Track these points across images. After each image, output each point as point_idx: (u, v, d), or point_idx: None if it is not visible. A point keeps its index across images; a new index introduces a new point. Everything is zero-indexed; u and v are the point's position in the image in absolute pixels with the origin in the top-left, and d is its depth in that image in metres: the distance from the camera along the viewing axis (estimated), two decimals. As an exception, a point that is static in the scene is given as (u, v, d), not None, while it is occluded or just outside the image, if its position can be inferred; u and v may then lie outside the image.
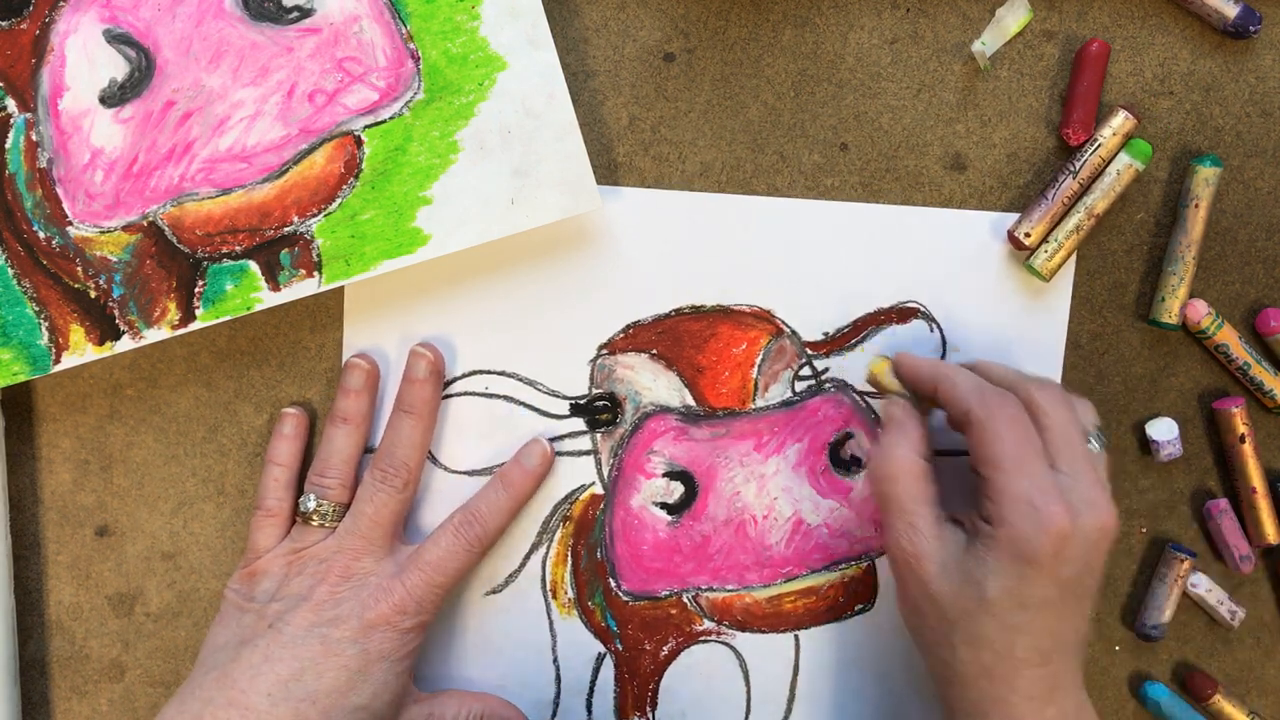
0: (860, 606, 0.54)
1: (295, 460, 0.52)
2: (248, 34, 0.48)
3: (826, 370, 0.53)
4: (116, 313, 0.49)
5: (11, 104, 0.48)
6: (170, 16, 0.48)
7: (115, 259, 0.48)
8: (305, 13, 0.48)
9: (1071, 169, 0.51)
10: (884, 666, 0.54)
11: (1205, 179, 0.51)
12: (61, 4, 0.48)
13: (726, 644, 0.54)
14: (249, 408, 0.53)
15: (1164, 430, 0.53)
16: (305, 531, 0.50)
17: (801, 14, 0.52)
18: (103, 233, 0.48)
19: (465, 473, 0.53)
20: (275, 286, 0.49)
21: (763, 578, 0.53)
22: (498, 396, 0.53)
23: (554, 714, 0.54)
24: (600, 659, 0.54)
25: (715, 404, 0.53)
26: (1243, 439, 0.53)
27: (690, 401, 0.53)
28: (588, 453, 0.53)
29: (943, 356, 0.53)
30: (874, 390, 0.53)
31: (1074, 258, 0.53)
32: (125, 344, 0.49)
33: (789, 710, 0.54)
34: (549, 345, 0.53)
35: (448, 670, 0.54)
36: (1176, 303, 0.52)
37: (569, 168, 0.49)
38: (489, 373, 0.53)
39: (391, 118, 0.48)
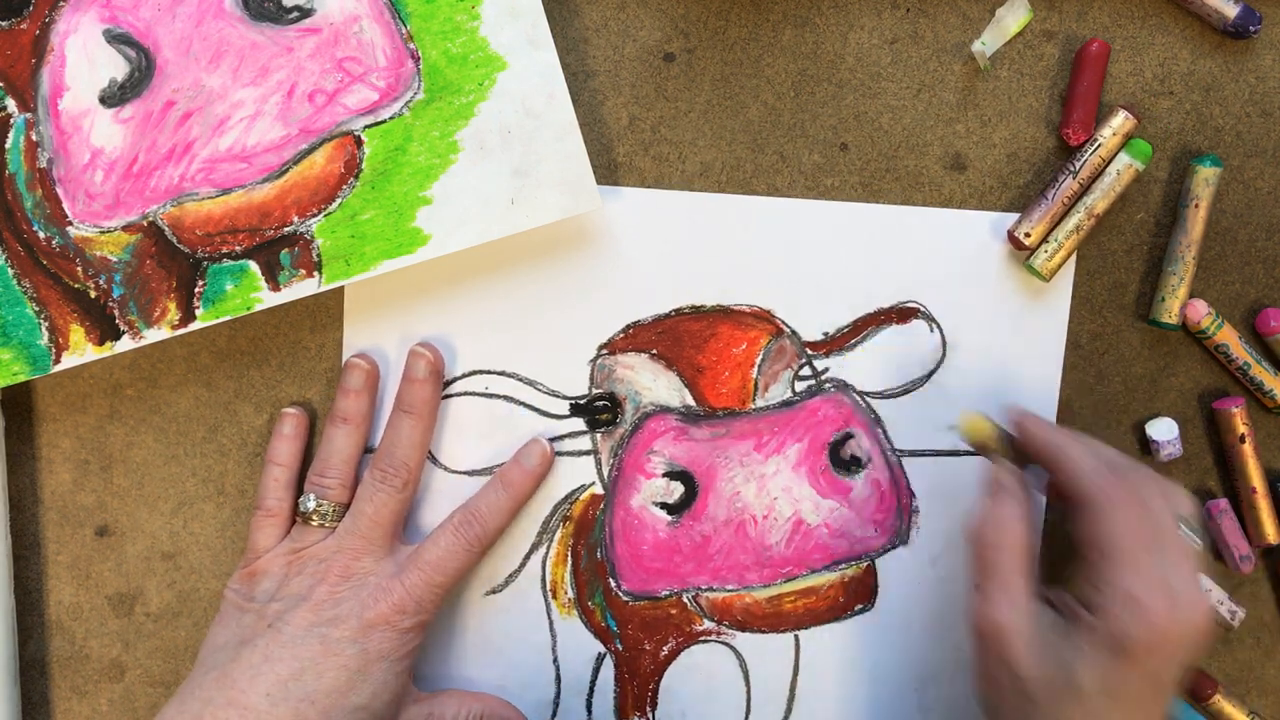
0: (860, 606, 0.54)
1: (295, 460, 0.52)
2: (248, 34, 0.48)
3: (826, 370, 0.53)
4: (116, 313, 0.49)
5: (11, 104, 0.48)
6: (170, 16, 0.48)
7: (115, 259, 0.48)
8: (305, 13, 0.48)
9: (1071, 169, 0.51)
10: (884, 666, 0.54)
11: (1205, 179, 0.51)
12: (61, 4, 0.48)
13: (726, 644, 0.54)
14: (249, 408, 0.53)
15: (1164, 430, 0.53)
16: (305, 531, 0.50)
17: (801, 14, 0.52)
18: (103, 233, 0.48)
19: (465, 473, 0.53)
20: (275, 286, 0.49)
21: (763, 578, 0.53)
22: (498, 396, 0.53)
23: (554, 714, 0.54)
24: (600, 659, 0.54)
25: (715, 404, 0.53)
26: (1243, 439, 0.53)
27: (690, 401, 0.53)
28: (588, 453, 0.53)
29: (942, 357, 0.53)
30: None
31: (1074, 258, 0.53)
32: (125, 344, 0.49)
33: (789, 710, 0.54)
34: (549, 345, 0.53)
35: (448, 670, 0.54)
36: (1176, 303, 0.52)
37: (569, 168, 0.49)
38: (489, 373, 0.53)
39: (391, 118, 0.48)
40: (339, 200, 0.49)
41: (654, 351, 0.53)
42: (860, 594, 0.54)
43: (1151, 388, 0.54)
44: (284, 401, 0.53)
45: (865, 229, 0.53)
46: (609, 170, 0.52)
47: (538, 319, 0.53)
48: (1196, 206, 0.52)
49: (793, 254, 0.53)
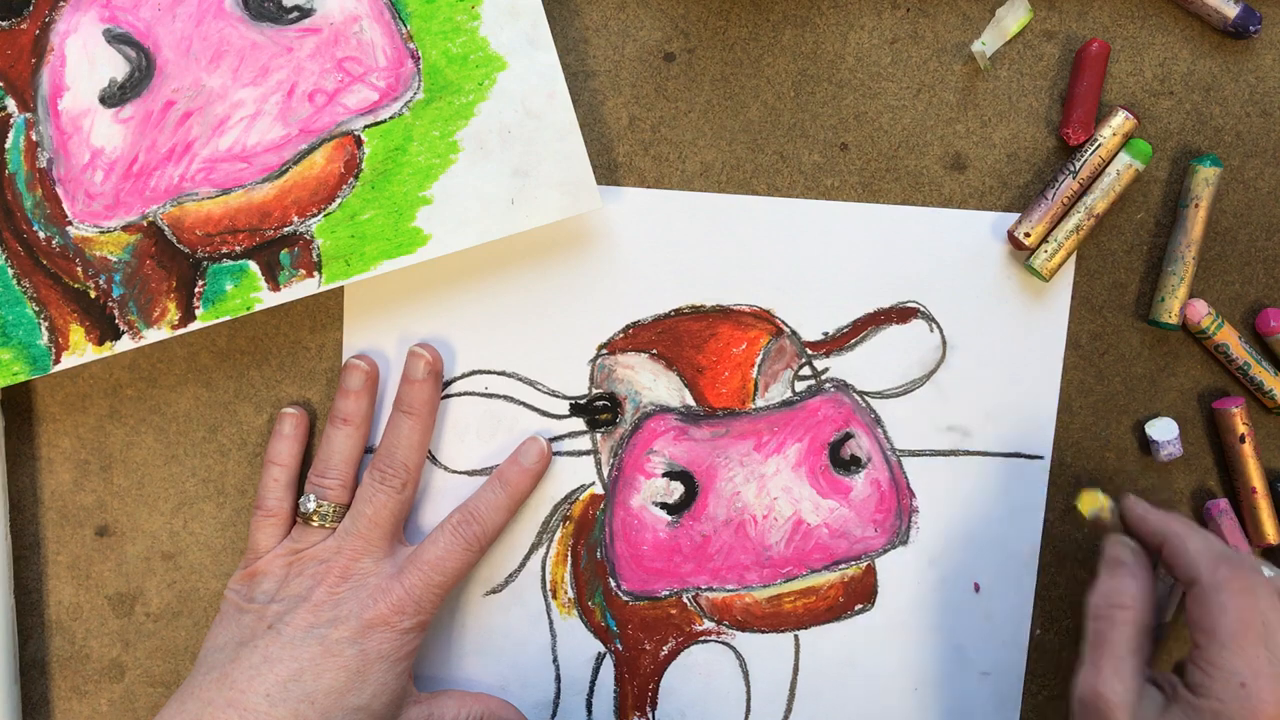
0: (860, 606, 0.54)
1: (295, 460, 0.52)
2: (248, 34, 0.48)
3: (826, 370, 0.53)
4: (116, 313, 0.49)
5: (11, 104, 0.48)
6: (170, 16, 0.48)
7: (115, 259, 0.48)
8: (305, 13, 0.48)
9: (1071, 169, 0.51)
10: (884, 666, 0.54)
11: (1205, 179, 0.51)
12: (61, 4, 0.48)
13: (726, 644, 0.54)
14: (249, 408, 0.53)
15: (1164, 430, 0.53)
16: (305, 532, 0.50)
17: (801, 14, 0.52)
18: (103, 233, 0.48)
19: (465, 473, 0.53)
20: (275, 286, 0.49)
21: (763, 578, 0.53)
22: (497, 396, 0.53)
23: (554, 714, 0.54)
24: (600, 659, 0.54)
25: (715, 404, 0.53)
26: (1243, 439, 0.53)
27: (690, 401, 0.53)
28: (588, 453, 0.53)
29: (942, 357, 0.53)
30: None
31: (1074, 258, 0.53)
32: (125, 344, 0.49)
33: (789, 710, 0.54)
34: (549, 345, 0.53)
35: (448, 670, 0.54)
36: (1176, 303, 0.52)
37: (569, 168, 0.49)
38: (489, 373, 0.53)
39: (391, 118, 0.48)
40: (339, 200, 0.49)
41: (654, 351, 0.53)
42: (860, 594, 0.54)
43: (1151, 388, 0.54)
44: (284, 401, 0.53)
45: (865, 229, 0.53)
46: (609, 170, 0.52)
47: (537, 319, 0.53)
48: (1196, 206, 0.52)
49: (793, 254, 0.53)
